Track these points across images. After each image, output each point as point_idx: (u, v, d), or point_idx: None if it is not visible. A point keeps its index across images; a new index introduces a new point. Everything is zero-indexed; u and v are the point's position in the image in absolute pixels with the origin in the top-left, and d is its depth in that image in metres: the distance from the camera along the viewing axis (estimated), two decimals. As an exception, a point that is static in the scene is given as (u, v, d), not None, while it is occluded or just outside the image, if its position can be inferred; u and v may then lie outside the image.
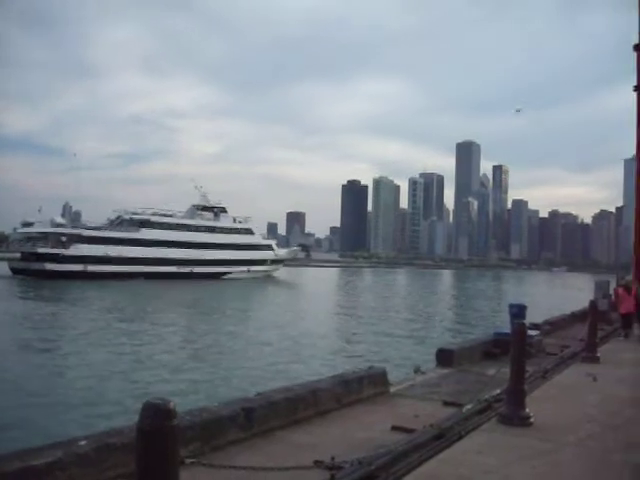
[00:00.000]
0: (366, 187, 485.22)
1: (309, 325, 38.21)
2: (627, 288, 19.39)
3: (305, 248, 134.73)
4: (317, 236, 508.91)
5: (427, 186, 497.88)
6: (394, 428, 7.75)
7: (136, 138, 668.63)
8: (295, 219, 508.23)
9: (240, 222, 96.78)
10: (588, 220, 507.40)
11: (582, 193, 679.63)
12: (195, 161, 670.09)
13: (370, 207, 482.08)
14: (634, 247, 28.59)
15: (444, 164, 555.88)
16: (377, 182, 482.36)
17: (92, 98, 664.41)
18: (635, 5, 27.82)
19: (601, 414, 8.60)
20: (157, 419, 2.95)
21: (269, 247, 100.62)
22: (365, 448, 6.53)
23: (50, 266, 72.31)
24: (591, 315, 13.86)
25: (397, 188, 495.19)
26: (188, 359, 24.77)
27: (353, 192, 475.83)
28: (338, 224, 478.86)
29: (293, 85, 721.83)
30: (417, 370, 12.59)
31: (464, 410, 8.34)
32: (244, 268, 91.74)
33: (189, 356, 25.57)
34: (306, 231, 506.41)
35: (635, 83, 27.28)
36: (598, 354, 13.51)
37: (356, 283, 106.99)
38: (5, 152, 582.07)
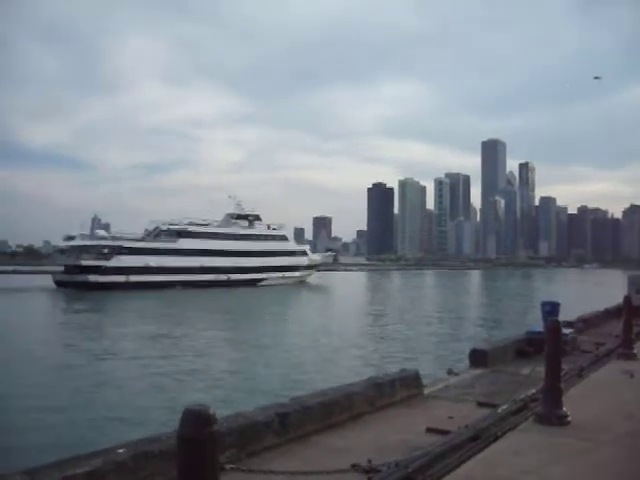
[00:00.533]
0: (392, 189, 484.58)
1: (342, 329, 38.66)
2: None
3: (333, 252, 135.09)
4: (344, 240, 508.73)
5: (453, 186, 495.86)
6: (429, 430, 7.72)
7: (158, 148, 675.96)
8: (321, 224, 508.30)
9: (274, 229, 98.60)
10: (618, 215, 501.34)
11: (611, 188, 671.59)
12: (217, 170, 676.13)
13: (396, 209, 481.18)
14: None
15: (469, 163, 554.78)
16: (403, 184, 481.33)
17: (114, 110, 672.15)
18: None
19: (639, 411, 8.48)
20: (198, 426, 2.98)
21: (303, 253, 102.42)
22: (401, 450, 6.52)
23: (93, 278, 74.22)
24: (626, 311, 13.65)
25: (423, 189, 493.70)
26: (226, 365, 25.26)
27: (379, 195, 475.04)
28: (364, 227, 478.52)
29: (313, 90, 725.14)
30: (450, 371, 12.51)
31: (499, 410, 8.27)
32: (279, 274, 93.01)
33: (228, 362, 26.14)
34: (333, 235, 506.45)
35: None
36: (634, 350, 13.33)
37: (385, 286, 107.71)
38: (31, 166, 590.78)
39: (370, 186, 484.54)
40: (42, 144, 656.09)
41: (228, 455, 6.08)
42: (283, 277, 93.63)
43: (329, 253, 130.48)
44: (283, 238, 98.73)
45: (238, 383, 21.32)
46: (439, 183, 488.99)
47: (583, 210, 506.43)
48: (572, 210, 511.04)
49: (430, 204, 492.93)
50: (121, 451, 5.40)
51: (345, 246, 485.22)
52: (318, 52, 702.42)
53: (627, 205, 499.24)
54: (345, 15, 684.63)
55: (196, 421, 2.98)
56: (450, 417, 8.39)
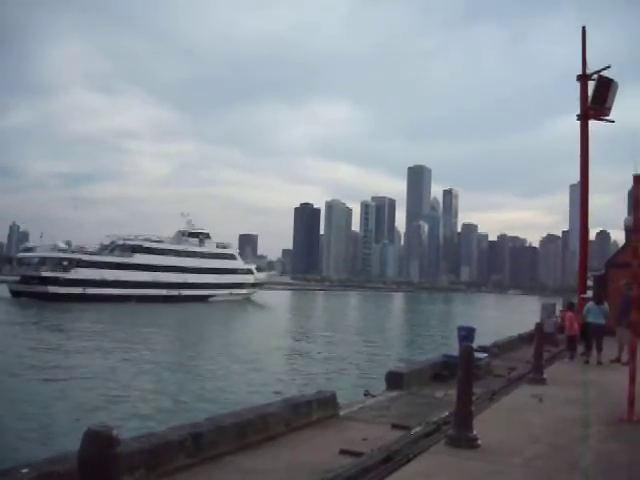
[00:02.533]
0: (318, 210, 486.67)
1: (270, 347, 39.18)
2: (570, 306, 19.86)
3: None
4: (269, 258, 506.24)
5: (379, 209, 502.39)
6: (342, 452, 7.74)
7: (85, 157, 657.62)
8: (247, 241, 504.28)
9: (224, 247, 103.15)
10: (536, 244, 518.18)
11: (530, 217, 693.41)
12: (146, 182, 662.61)
13: (322, 230, 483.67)
14: (577, 270, 29.33)
15: (395, 188, 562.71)
16: (329, 205, 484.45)
17: (41, 116, 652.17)
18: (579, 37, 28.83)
19: (547, 435, 8.75)
20: (99, 447, 2.90)
21: (249, 271, 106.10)
22: (313, 472, 6.52)
23: (52, 289, 75.09)
24: (537, 337, 14.13)
25: (349, 211, 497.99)
26: (152, 381, 25.07)
27: (306, 215, 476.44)
28: (290, 246, 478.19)
29: (246, 107, 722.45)
30: (367, 393, 12.61)
31: (412, 433, 8.40)
32: (228, 291, 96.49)
33: (155, 378, 25.86)
34: (258, 253, 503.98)
35: (579, 112, 28.18)
36: (544, 375, 13.77)
37: (313, 306, 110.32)
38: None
39: (297, 205, 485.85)
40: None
41: (137, 476, 5.95)
42: (231, 294, 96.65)
43: (273, 272, 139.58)
44: (232, 257, 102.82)
45: (157, 401, 20.90)
46: (365, 206, 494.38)
47: (502, 238, 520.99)
48: (492, 237, 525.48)
49: (356, 226, 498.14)
50: (25, 471, 5.21)
51: (270, 264, 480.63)
52: (253, 70, 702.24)
53: (544, 234, 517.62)
54: (281, 35, 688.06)
55: (97, 442, 2.91)
56: (364, 439, 8.45)
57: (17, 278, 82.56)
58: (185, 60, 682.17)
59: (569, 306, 20.23)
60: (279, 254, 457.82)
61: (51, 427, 16.86)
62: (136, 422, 16.58)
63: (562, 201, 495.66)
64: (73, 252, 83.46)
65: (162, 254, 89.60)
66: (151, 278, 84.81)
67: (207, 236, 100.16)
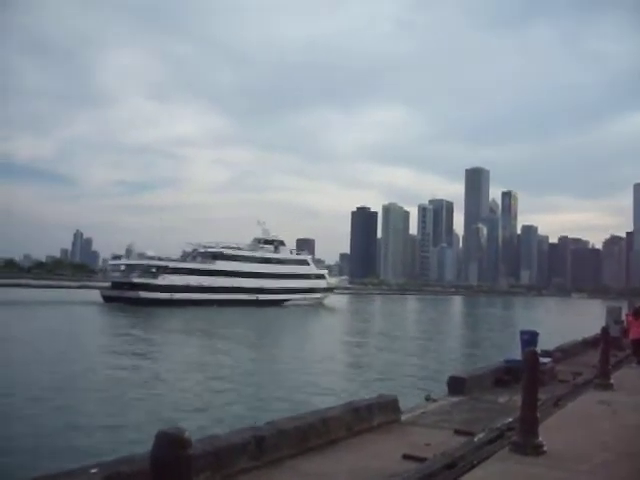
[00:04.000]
0: (376, 214, 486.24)
1: (337, 350, 40.72)
2: (636, 313, 19.27)
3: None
4: (327, 263, 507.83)
5: (436, 212, 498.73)
6: (405, 457, 7.70)
7: (144, 166, 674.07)
8: (305, 245, 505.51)
9: (298, 254, 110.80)
10: (599, 245, 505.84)
11: (592, 219, 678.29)
12: (203, 189, 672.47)
13: (380, 234, 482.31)
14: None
15: (453, 190, 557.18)
16: (387, 209, 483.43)
17: (100, 125, 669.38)
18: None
19: (615, 442, 8.52)
20: (171, 449, 2.95)
21: (322, 276, 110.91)
22: (376, 477, 6.50)
23: (143, 294, 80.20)
24: (603, 341, 13.77)
25: (406, 215, 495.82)
26: (223, 383, 25.56)
27: (363, 219, 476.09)
28: (348, 251, 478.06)
29: (299, 112, 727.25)
30: (428, 398, 12.51)
31: (476, 439, 8.28)
32: (301, 296, 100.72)
33: (228, 380, 26.48)
34: (316, 257, 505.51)
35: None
36: (611, 381, 13.41)
37: (372, 310, 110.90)
38: (14, 180, 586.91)
39: (354, 210, 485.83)
40: (25, 157, 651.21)
41: (203, 478, 6.04)
42: (305, 298, 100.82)
43: (344, 277, 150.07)
44: (305, 262, 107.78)
45: (225, 403, 21.26)
46: (422, 209, 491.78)
47: (564, 240, 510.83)
48: (553, 239, 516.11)
49: (413, 229, 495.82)
50: (94, 471, 5.35)
51: (328, 269, 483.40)
52: (304, 74, 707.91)
53: (607, 236, 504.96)
54: (329, 39, 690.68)
55: (169, 444, 2.95)
56: (427, 444, 8.39)
57: (108, 284, 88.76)
58: (237, 67, 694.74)
59: (635, 312, 19.62)
60: (337, 258, 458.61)
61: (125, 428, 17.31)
62: (200, 423, 16.87)
63: (625, 201, 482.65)
64: (160, 259, 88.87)
65: (241, 261, 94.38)
66: (231, 284, 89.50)
67: (281, 243, 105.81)
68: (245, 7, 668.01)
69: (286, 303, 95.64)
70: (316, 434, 8.06)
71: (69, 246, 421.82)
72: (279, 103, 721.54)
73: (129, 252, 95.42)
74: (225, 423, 16.45)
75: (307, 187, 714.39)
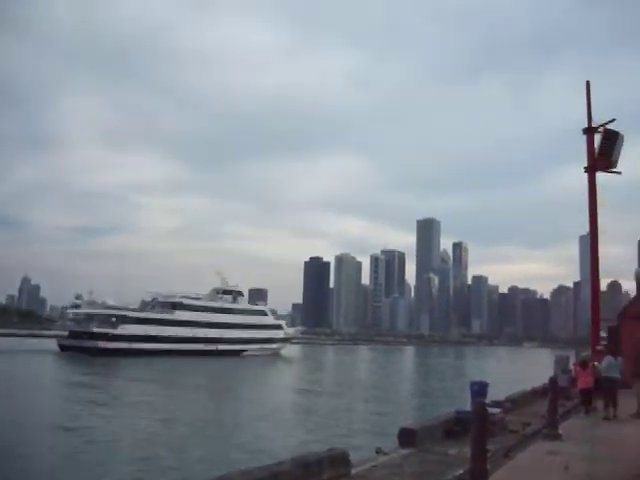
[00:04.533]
0: (328, 264, 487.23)
1: (289, 402, 40.77)
2: (583, 363, 19.58)
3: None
4: (279, 312, 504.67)
5: (388, 262, 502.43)
6: (355, 512, 7.58)
7: (96, 211, 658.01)
8: (257, 295, 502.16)
9: (256, 304, 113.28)
10: (547, 295, 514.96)
11: (540, 269, 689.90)
12: (156, 236, 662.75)
13: (332, 283, 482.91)
14: (590, 323, 29.10)
15: (405, 241, 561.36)
16: (339, 259, 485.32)
17: (52, 170, 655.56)
18: (584, 90, 29.28)
19: (563, 493, 8.57)
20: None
21: (280, 327, 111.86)
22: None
23: (102, 344, 79.54)
24: (551, 392, 13.94)
25: (359, 265, 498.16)
26: (173, 434, 25.70)
27: (315, 268, 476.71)
28: (300, 300, 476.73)
29: (253, 161, 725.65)
30: (379, 451, 12.40)
31: (426, 492, 8.23)
32: (259, 346, 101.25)
33: (176, 431, 26.60)
34: (268, 307, 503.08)
35: (585, 164, 28.44)
36: (559, 431, 13.54)
37: (325, 360, 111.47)
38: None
39: (307, 260, 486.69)
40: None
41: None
42: (263, 349, 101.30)
43: (299, 327, 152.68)
44: (263, 313, 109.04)
45: (176, 457, 20.88)
46: (375, 259, 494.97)
47: (513, 290, 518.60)
48: (503, 289, 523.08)
49: (366, 279, 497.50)
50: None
51: (281, 318, 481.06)
52: (258, 123, 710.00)
53: (555, 286, 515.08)
54: (283, 89, 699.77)
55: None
56: (377, 499, 8.29)
57: (63, 333, 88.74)
58: (193, 115, 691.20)
59: (582, 363, 19.95)
60: (289, 308, 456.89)
61: None
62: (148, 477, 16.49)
63: (572, 252, 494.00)
64: (119, 309, 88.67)
65: (200, 310, 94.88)
66: (190, 333, 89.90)
67: (240, 293, 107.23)
68: (200, 57, 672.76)
69: (244, 353, 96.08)
70: (265, 490, 7.89)
71: (16, 292, 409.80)
72: (233, 151, 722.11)
73: (89, 301, 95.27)
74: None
75: (260, 236, 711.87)
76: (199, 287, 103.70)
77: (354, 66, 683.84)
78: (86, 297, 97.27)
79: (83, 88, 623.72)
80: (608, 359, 17.97)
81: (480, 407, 7.75)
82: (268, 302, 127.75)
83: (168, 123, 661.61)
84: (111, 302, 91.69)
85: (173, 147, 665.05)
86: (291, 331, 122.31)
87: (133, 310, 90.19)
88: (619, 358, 17.65)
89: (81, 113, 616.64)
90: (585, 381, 18.72)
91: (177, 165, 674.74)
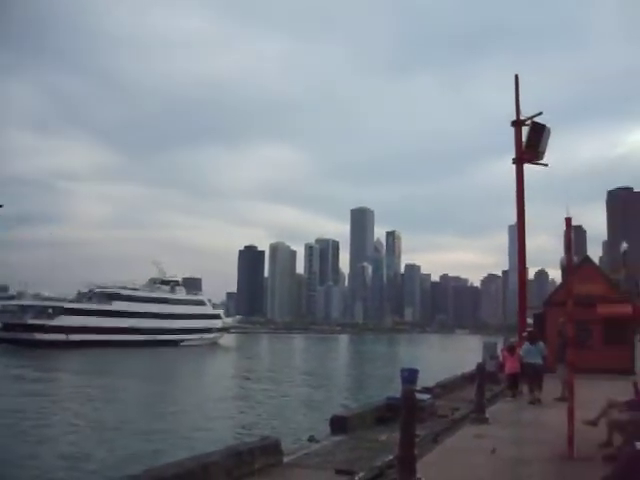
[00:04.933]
0: (263, 252, 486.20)
1: (224, 390, 40.36)
2: (511, 349, 20.13)
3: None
4: (214, 302, 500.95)
5: (323, 251, 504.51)
6: (286, 500, 7.62)
7: (21, 199, 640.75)
8: (191, 284, 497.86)
9: (195, 294, 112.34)
10: (477, 283, 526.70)
11: (471, 258, 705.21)
12: (88, 224, 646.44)
13: (267, 272, 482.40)
14: (517, 310, 29.90)
15: (339, 230, 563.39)
16: (274, 248, 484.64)
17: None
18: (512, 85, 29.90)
19: (490, 475, 8.82)
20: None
21: (218, 316, 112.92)
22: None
23: (39, 336, 78.29)
24: (478, 377, 14.29)
25: (293, 254, 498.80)
26: (103, 427, 25.06)
27: (250, 257, 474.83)
28: (234, 289, 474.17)
29: (189, 149, 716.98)
30: (311, 438, 12.51)
31: (356, 478, 8.34)
32: (198, 336, 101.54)
33: (107, 423, 25.89)
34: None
35: (514, 156, 29.08)
36: (486, 415, 13.90)
37: (259, 350, 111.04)
38: None
39: (242, 248, 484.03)
40: None
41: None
42: (201, 338, 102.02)
43: (238, 316, 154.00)
44: (201, 302, 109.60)
45: (106, 449, 20.50)
46: (309, 248, 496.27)
47: (445, 278, 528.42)
48: (435, 278, 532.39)
49: (300, 268, 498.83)
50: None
51: (215, 307, 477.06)
52: (194, 111, 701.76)
53: (485, 274, 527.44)
54: (222, 76, 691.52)
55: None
56: (308, 486, 8.36)
57: None
58: (127, 102, 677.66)
59: (509, 348, 20.51)
60: (223, 297, 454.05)
61: None
62: (74, 471, 16.17)
63: (502, 241, 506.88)
64: (55, 300, 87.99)
65: (138, 301, 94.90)
66: (128, 324, 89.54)
67: (177, 283, 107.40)
68: (136, 42, 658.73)
69: (183, 343, 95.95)
70: (196, 481, 7.84)
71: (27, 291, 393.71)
72: (168, 139, 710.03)
73: (21, 293, 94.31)
74: (100, 472, 15.83)
75: (194, 224, 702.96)
76: (134, 277, 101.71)
77: (289, 55, 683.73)
78: (17, 288, 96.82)
79: (13, 71, 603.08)
80: (526, 345, 18.50)
81: (408, 393, 7.89)
82: (202, 291, 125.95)
83: (102, 109, 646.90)
84: (46, 293, 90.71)
85: (107, 134, 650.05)
86: (229, 320, 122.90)
87: (70, 301, 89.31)
88: (540, 344, 18.14)
89: (10, 97, 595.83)
90: (512, 366, 19.25)
91: (111, 153, 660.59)
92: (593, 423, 10.94)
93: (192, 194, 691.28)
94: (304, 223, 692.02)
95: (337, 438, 12.30)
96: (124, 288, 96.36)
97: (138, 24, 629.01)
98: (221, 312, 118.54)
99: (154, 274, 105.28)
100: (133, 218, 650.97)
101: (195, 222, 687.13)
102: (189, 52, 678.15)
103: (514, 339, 25.94)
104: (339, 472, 9.17)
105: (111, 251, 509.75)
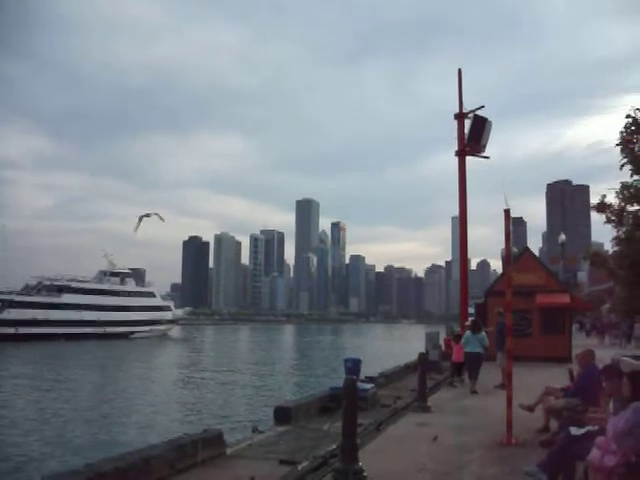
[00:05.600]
0: (207, 243, 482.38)
1: (173, 383, 39.91)
2: (457, 337, 20.44)
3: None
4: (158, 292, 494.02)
5: (268, 242, 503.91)
6: (229, 491, 7.59)
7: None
8: (135, 276, 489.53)
9: (144, 286, 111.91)
10: (421, 274, 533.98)
11: (415, 248, 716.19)
12: (27, 214, 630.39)
13: (212, 263, 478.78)
14: (459, 300, 30.43)
15: (285, 221, 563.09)
16: (219, 238, 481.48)
17: None
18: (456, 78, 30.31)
19: (431, 462, 8.95)
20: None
21: (168, 308, 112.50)
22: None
23: None
24: (420, 366, 14.48)
25: (238, 244, 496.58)
26: (43, 420, 24.43)
27: (194, 248, 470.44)
28: (179, 280, 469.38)
29: (135, 138, 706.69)
30: (255, 429, 12.50)
31: (300, 468, 8.36)
32: (148, 328, 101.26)
33: (47, 417, 25.21)
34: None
35: (457, 148, 29.54)
36: (429, 403, 14.11)
37: (211, 340, 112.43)
38: None
39: (186, 239, 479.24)
40: None
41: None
42: (151, 330, 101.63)
43: (188, 308, 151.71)
44: (151, 294, 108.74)
45: (44, 444, 20.00)
46: (254, 239, 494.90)
47: (389, 269, 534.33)
48: (379, 269, 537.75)
49: (245, 259, 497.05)
50: None
51: (164, 299, 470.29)
52: (141, 99, 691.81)
53: (429, 265, 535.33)
54: (168, 65, 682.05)
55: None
56: (252, 477, 8.34)
57: None
58: (71, 89, 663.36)
59: (455, 337, 20.83)
60: (168, 288, 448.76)
61: None
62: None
63: (445, 233, 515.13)
64: (3, 293, 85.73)
65: (87, 293, 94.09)
66: (78, 317, 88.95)
67: (127, 275, 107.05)
68: (81, 26, 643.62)
69: (133, 335, 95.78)
70: (137, 474, 7.74)
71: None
72: (114, 128, 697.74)
73: None
74: (38, 468, 15.52)
75: (138, 214, 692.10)
76: (78, 268, 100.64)
77: (239, 44, 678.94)
78: None
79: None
80: (467, 334, 18.83)
81: (350, 383, 7.94)
82: (146, 282, 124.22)
83: (44, 96, 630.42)
84: None
85: (49, 122, 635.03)
86: (179, 312, 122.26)
87: (19, 294, 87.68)
88: (482, 334, 18.41)
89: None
90: (458, 355, 19.57)
91: (53, 141, 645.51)
92: (530, 409, 11.22)
93: (137, 184, 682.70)
94: (250, 214, 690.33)
95: (281, 428, 12.33)
96: (74, 280, 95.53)
97: (83, 7, 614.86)
98: (171, 304, 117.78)
99: (103, 266, 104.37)
100: (76, 208, 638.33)
101: (140, 212, 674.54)
102: (137, 39, 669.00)
103: (458, 328, 26.41)
104: (283, 462, 9.20)
105: (53, 242, 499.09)
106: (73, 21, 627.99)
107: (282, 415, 12.85)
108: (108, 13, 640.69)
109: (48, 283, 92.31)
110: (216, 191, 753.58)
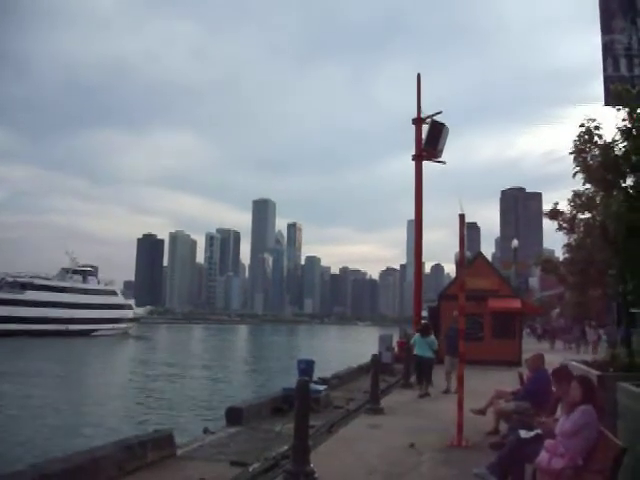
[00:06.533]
0: (162, 241, 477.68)
1: (126, 382, 39.45)
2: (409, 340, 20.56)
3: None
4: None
5: (224, 241, 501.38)
6: (179, 493, 7.51)
7: None
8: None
9: (106, 284, 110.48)
10: (376, 276, 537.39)
11: (370, 251, 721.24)
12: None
13: (166, 262, 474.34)
14: (413, 303, 30.69)
15: (241, 220, 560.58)
16: (174, 236, 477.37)
17: None
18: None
19: (382, 464, 9.00)
20: None
21: (129, 306, 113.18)
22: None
23: None
24: (373, 368, 14.56)
25: (194, 243, 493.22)
26: None
27: (148, 246, 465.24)
28: (132, 278, 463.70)
29: (88, 131, 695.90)
30: (206, 430, 12.40)
31: (251, 469, 8.33)
32: (109, 326, 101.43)
33: None
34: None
35: (414, 152, 29.80)
36: (381, 405, 14.18)
37: (165, 339, 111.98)
38: None
39: (140, 236, 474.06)
40: None
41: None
42: (113, 328, 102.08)
43: (149, 306, 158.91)
44: (113, 293, 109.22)
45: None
46: (210, 238, 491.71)
47: (344, 271, 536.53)
48: (335, 270, 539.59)
49: (200, 258, 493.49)
50: None
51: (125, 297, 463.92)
52: (94, 94, 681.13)
53: (384, 267, 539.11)
54: (125, 60, 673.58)
55: None
56: (202, 479, 8.27)
57: None
58: (24, 81, 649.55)
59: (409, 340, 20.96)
60: (121, 286, 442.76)
61: None
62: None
63: (401, 236, 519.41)
64: None
65: (50, 290, 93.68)
66: (42, 314, 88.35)
67: (91, 273, 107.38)
68: (36, 20, 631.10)
69: (95, 333, 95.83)
70: (85, 476, 7.60)
71: None
72: (67, 121, 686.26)
73: None
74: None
75: (91, 211, 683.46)
76: (29, 263, 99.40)
77: (196, 41, 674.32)
78: None
79: None
80: (416, 337, 18.94)
81: (303, 384, 7.94)
82: (99, 279, 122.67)
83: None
84: None
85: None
86: (140, 311, 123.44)
87: None
88: (431, 337, 18.46)
89: None
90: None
91: (1, 133, 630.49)
92: (481, 412, 11.37)
93: (91, 180, 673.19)
94: (205, 212, 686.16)
95: (232, 429, 12.25)
96: (37, 277, 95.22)
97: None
98: (132, 302, 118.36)
99: (66, 263, 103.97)
100: (27, 202, 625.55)
101: (93, 208, 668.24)
102: (93, 32, 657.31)
103: (411, 331, 26.59)
104: (234, 464, 9.13)
105: (3, 235, 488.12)
106: (23, 10, 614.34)
107: (234, 416, 12.76)
108: (63, 4, 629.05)
109: (11, 280, 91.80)
110: (172, 189, 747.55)
